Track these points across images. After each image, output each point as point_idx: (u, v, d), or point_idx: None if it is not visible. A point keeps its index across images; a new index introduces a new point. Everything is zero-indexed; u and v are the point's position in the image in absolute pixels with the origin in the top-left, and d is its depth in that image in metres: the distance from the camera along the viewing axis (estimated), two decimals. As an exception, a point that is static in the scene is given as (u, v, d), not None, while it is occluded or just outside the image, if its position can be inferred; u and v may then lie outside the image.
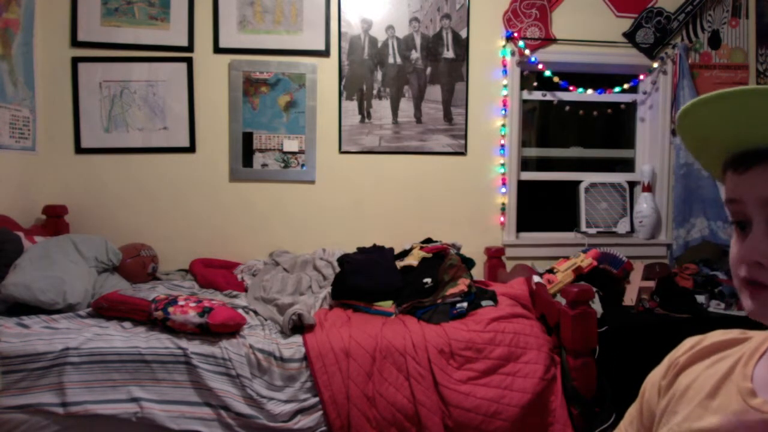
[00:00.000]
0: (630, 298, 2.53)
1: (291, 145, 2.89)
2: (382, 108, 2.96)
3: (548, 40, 3.01)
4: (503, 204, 3.04)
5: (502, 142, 3.02)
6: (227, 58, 2.84)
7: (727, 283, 2.50)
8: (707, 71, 3.12)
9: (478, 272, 2.87)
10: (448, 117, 3.00)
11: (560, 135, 3.42)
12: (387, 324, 2.01)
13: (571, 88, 3.02)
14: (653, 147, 3.18)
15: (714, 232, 2.92)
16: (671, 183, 3.12)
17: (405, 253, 2.66)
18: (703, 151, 0.60)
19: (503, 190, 3.03)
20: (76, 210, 2.75)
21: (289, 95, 2.88)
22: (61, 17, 2.73)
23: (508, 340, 1.93)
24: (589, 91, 3.08)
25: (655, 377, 0.70)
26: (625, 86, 3.06)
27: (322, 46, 2.89)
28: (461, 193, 3.02)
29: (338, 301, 2.29)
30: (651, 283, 2.55)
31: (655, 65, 3.10)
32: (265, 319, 2.11)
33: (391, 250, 2.70)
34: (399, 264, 2.49)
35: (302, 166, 2.91)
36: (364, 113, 2.95)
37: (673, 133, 3.12)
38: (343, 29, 2.90)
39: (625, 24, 3.06)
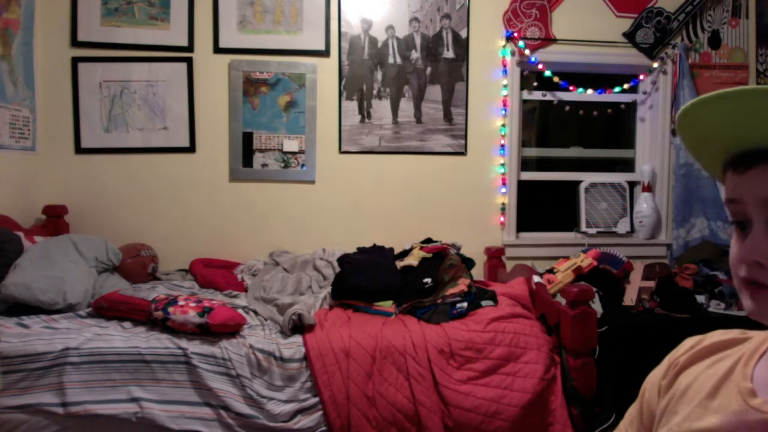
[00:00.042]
0: (630, 298, 2.53)
1: (291, 145, 2.89)
2: (382, 108, 2.96)
3: (548, 40, 3.01)
4: (503, 204, 3.04)
5: (502, 142, 3.02)
6: (227, 58, 2.84)
7: (727, 283, 2.50)
8: (707, 71, 3.12)
9: (478, 272, 2.87)
10: (448, 117, 3.00)
11: (560, 135, 3.42)
12: (387, 324, 2.01)
13: (571, 88, 3.02)
14: (653, 147, 3.18)
15: (714, 232, 2.92)
16: (671, 183, 3.12)
17: (405, 253, 2.66)
18: (703, 151, 0.60)
19: (503, 190, 3.03)
20: (76, 210, 2.75)
21: (289, 95, 2.88)
22: (61, 17, 2.73)
23: (508, 340, 1.93)
24: (589, 91, 3.08)
25: (655, 377, 0.70)
26: (625, 86, 3.06)
27: (322, 46, 2.89)
28: (461, 193, 3.02)
29: (338, 301, 2.29)
30: (651, 283, 2.55)
31: (655, 65, 3.10)
32: (265, 319, 2.11)
33: (391, 250, 2.70)
34: (399, 264, 2.49)
35: (302, 166, 2.91)
36: (364, 113, 2.95)
37: (673, 133, 3.12)
38: (343, 29, 2.90)
39: (625, 24, 3.06)
